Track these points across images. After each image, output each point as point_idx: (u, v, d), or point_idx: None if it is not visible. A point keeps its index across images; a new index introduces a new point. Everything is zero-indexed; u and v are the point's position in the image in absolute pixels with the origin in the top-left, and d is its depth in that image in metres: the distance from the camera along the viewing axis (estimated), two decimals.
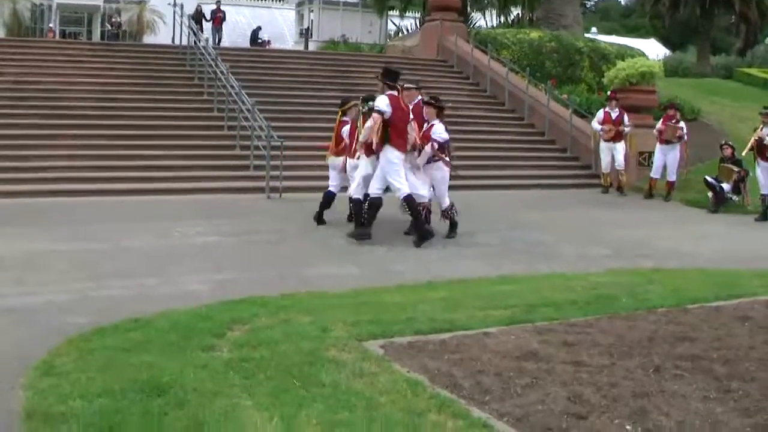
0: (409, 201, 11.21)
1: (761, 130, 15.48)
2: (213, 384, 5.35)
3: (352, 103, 12.37)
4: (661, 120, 18.08)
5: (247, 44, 36.41)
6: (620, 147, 18.19)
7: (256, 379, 5.47)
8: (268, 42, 38.56)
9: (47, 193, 14.24)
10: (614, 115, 18.29)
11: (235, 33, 41.05)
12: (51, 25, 39.27)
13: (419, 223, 11.33)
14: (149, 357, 5.88)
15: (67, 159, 15.83)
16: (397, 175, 11.16)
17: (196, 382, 5.35)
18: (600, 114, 18.63)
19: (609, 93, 19.33)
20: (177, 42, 23.12)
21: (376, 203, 11.35)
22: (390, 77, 11.38)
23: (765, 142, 15.29)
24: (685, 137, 17.78)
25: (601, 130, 18.30)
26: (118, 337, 6.41)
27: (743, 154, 16.24)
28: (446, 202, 11.83)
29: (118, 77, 19.61)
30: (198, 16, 31.92)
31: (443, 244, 11.53)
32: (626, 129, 18.33)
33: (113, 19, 38.09)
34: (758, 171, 15.78)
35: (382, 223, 12.15)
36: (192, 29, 21.60)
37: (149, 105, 18.59)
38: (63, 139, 16.46)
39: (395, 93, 11.24)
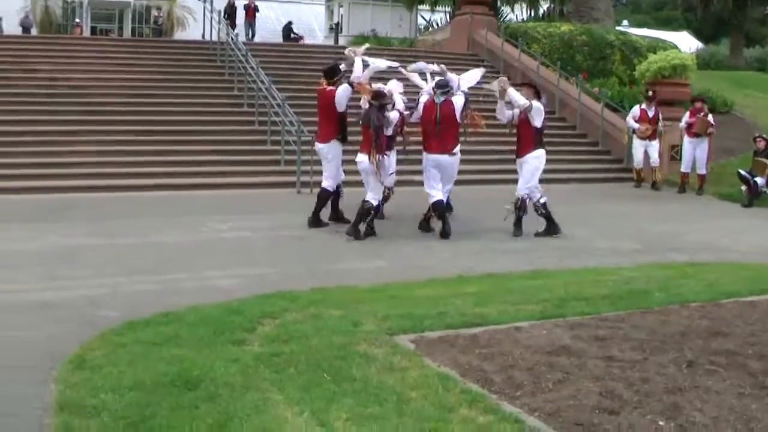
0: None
1: None
2: (243, 378, 5.36)
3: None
4: (689, 113, 17.91)
5: (277, 40, 36.42)
6: (655, 144, 18.02)
7: (287, 373, 5.47)
8: (302, 38, 38.59)
9: (79, 189, 14.37)
10: (651, 113, 18.07)
11: (265, 29, 41.11)
12: (78, 20, 39.45)
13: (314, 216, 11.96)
14: (180, 351, 5.90)
15: (99, 155, 15.95)
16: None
17: (226, 376, 5.37)
18: (636, 111, 18.33)
19: (650, 92, 18.81)
20: (207, 38, 23.21)
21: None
22: (327, 74, 12.17)
23: None
24: (714, 130, 17.64)
25: (638, 129, 18.06)
26: (149, 331, 6.44)
27: None
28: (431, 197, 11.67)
29: (149, 73, 19.72)
30: (231, 10, 31.93)
31: (474, 238, 11.51)
32: (662, 128, 18.15)
33: (156, 14, 38.19)
34: None
35: (410, 217, 12.15)
36: (223, 24, 21.65)
37: (180, 101, 18.68)
38: (95, 135, 16.58)
39: (325, 87, 12.10)
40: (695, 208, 15.79)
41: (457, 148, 11.68)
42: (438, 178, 11.63)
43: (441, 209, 11.55)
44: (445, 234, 11.37)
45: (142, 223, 11.92)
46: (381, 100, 11.29)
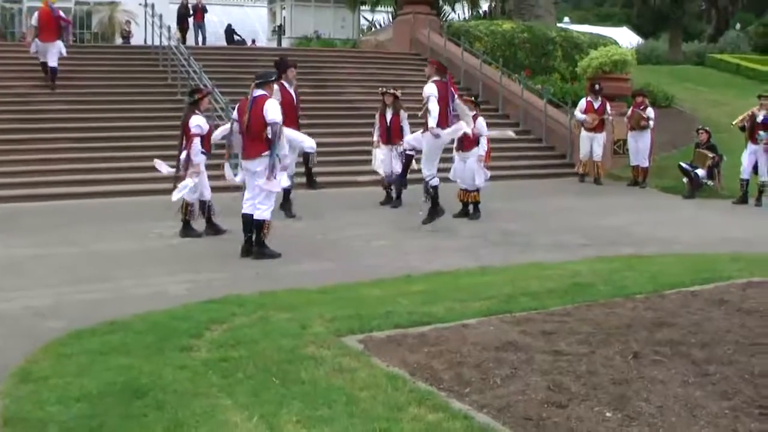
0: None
1: (758, 109, 15.61)
2: (192, 384, 5.33)
3: None
4: (631, 108, 18.19)
5: (221, 43, 36.09)
6: (601, 137, 18.21)
7: (236, 378, 5.46)
8: (253, 42, 38.13)
9: (21, 198, 14.15)
10: (596, 104, 18.28)
11: (208, 32, 40.79)
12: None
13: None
14: (127, 359, 5.85)
15: (41, 163, 15.71)
16: None
17: (175, 383, 5.34)
18: (582, 103, 18.55)
19: (595, 85, 18.84)
20: (149, 42, 22.99)
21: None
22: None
23: (758, 120, 15.45)
24: (652, 124, 17.86)
25: (585, 120, 18.23)
26: (95, 341, 6.38)
27: (732, 123, 16.41)
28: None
29: (91, 79, 19.50)
30: (185, 11, 31.48)
31: (421, 236, 11.55)
32: (609, 118, 18.37)
33: (126, 30, 37.16)
34: (744, 154, 15.83)
35: (362, 217, 12.16)
36: (165, 28, 21.45)
37: (123, 106, 18.46)
38: (36, 142, 16.34)
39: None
40: (638, 201, 16.01)
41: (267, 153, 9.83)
42: (250, 187, 10.27)
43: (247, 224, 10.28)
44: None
45: (86, 230, 11.77)
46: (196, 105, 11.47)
